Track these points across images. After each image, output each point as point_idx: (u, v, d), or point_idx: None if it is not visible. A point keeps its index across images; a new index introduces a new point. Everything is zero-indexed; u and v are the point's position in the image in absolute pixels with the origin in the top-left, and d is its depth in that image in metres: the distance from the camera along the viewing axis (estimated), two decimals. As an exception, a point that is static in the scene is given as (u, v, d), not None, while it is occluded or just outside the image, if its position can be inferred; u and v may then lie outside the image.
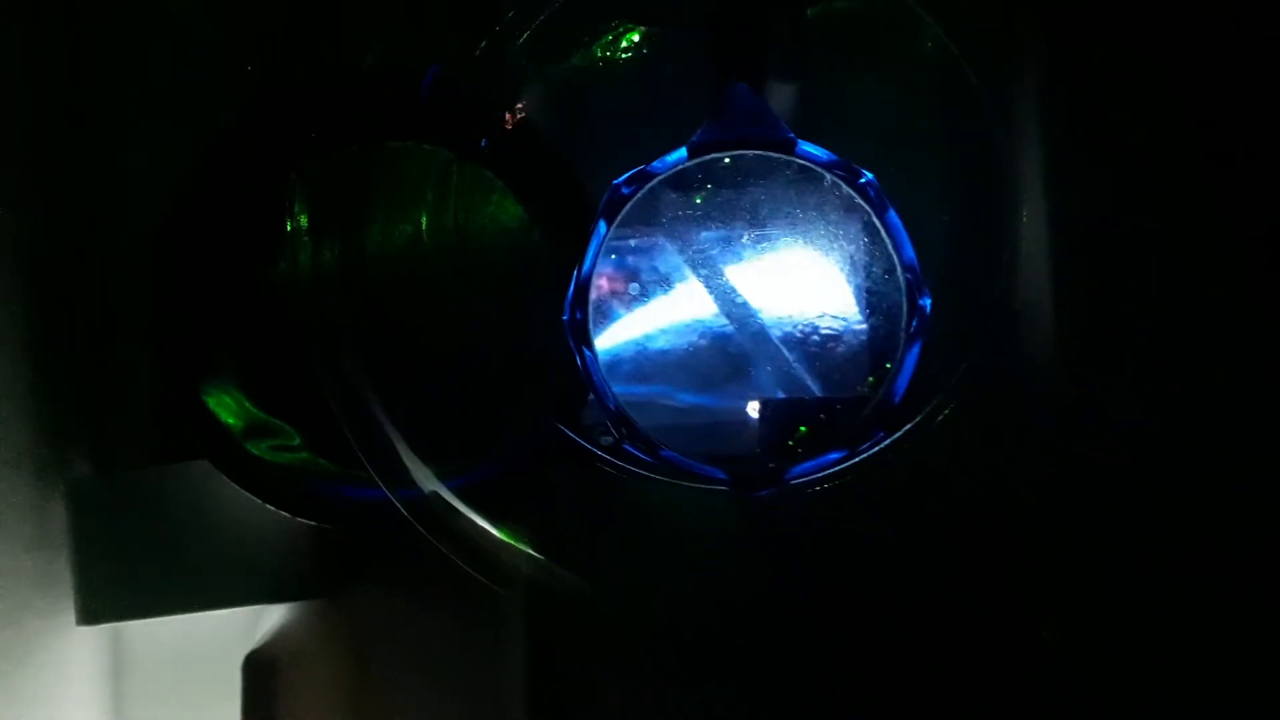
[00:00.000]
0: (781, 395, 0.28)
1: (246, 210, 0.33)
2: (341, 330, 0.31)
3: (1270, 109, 0.30)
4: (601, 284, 0.28)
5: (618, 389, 0.28)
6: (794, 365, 0.28)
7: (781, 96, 0.28)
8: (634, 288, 0.28)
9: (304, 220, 0.31)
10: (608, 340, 0.28)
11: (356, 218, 0.31)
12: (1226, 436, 0.30)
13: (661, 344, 0.28)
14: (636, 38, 0.28)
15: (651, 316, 0.28)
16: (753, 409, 0.28)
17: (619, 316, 0.28)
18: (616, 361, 0.28)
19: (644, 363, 0.28)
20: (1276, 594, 0.29)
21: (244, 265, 0.33)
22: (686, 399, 0.28)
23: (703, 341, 0.28)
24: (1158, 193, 0.30)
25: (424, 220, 0.30)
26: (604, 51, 0.28)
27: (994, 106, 0.29)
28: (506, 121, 0.27)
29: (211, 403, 0.34)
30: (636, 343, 0.28)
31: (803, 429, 0.27)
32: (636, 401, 0.28)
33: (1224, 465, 0.29)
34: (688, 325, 0.28)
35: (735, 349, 0.28)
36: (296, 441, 0.34)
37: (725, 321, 0.28)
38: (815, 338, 0.28)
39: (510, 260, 0.30)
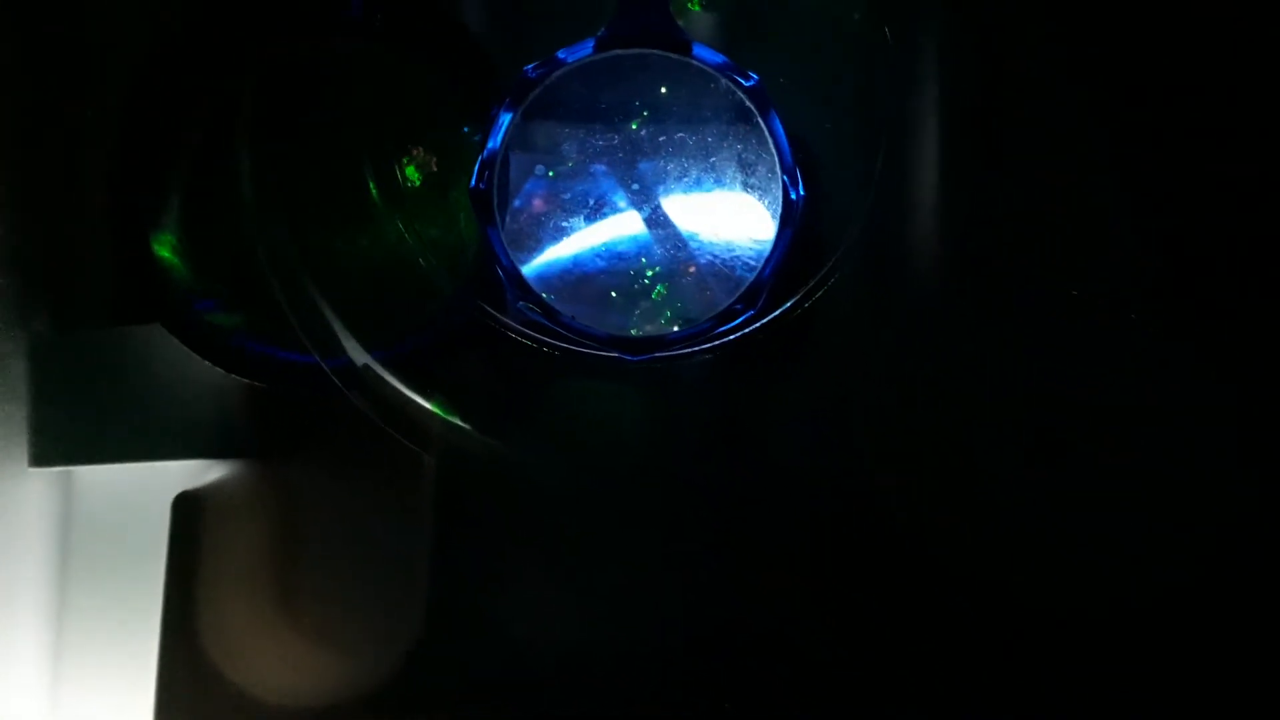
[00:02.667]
0: (668, 271, 0.31)
1: (206, 91, 0.36)
2: (279, 210, 0.34)
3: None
4: (509, 162, 0.30)
5: (523, 257, 0.31)
6: (681, 245, 0.31)
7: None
8: (539, 169, 0.31)
9: (252, 109, 0.34)
10: (514, 213, 0.31)
11: (298, 111, 0.34)
12: (1083, 328, 0.32)
13: (563, 219, 0.31)
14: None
15: (555, 195, 0.31)
16: (642, 281, 0.31)
17: (526, 193, 0.31)
18: (521, 233, 0.31)
19: (545, 236, 0.31)
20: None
21: (200, 142, 0.36)
22: (584, 270, 0.31)
23: (601, 220, 0.31)
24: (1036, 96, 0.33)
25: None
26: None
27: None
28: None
29: (163, 265, 0.37)
30: (540, 217, 0.31)
31: (660, 295, 0.30)
32: (538, 274, 0.31)
33: (1077, 346, 0.32)
34: (588, 204, 0.31)
35: (629, 236, 0.31)
36: (239, 306, 0.37)
37: (623, 203, 0.31)
38: (701, 221, 0.31)
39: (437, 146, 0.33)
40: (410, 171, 0.34)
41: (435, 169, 0.34)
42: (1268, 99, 0.32)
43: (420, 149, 0.34)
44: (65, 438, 0.38)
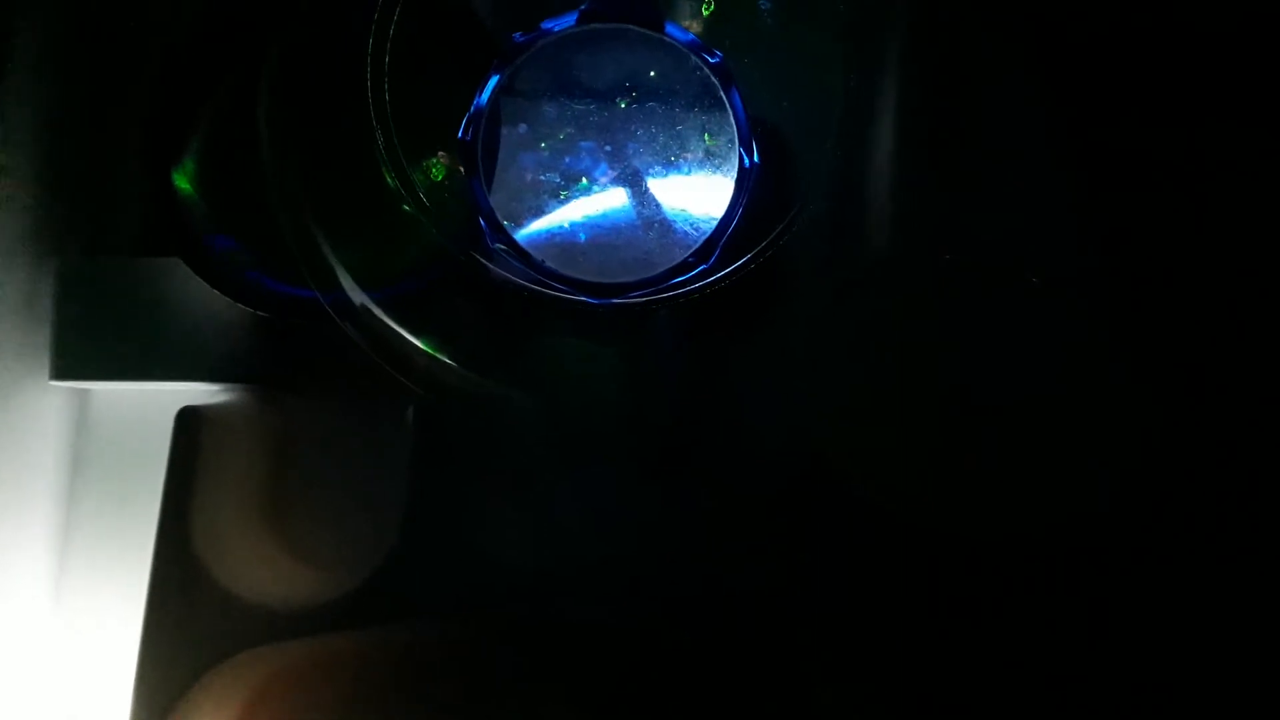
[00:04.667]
0: (632, 224, 0.34)
1: (239, 47, 0.40)
2: (292, 159, 0.37)
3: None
4: (494, 118, 0.34)
5: (501, 205, 0.34)
6: (645, 203, 0.34)
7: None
8: (521, 127, 0.34)
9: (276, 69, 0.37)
10: (496, 165, 0.34)
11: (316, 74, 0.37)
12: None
13: (540, 174, 0.34)
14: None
15: (534, 151, 0.34)
16: (615, 237, 0.34)
17: (507, 146, 0.34)
18: (501, 182, 0.34)
19: (524, 187, 0.34)
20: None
21: (228, 92, 0.40)
22: (557, 220, 0.34)
23: (576, 176, 0.34)
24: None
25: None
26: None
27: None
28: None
29: (184, 200, 0.40)
30: (519, 170, 0.34)
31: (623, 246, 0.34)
32: (515, 224, 0.34)
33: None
34: (564, 161, 0.34)
35: (599, 193, 0.34)
36: (251, 243, 0.40)
37: (595, 162, 0.34)
38: (664, 183, 0.34)
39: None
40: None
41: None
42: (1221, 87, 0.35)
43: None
44: (84, 356, 0.41)
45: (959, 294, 0.35)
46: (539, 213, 0.34)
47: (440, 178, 0.36)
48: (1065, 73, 0.36)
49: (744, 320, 0.35)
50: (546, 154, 0.34)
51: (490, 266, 0.35)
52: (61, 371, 0.41)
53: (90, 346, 0.41)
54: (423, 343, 0.36)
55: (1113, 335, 0.36)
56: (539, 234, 0.34)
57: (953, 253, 0.34)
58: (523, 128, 0.34)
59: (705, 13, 0.35)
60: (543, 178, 0.34)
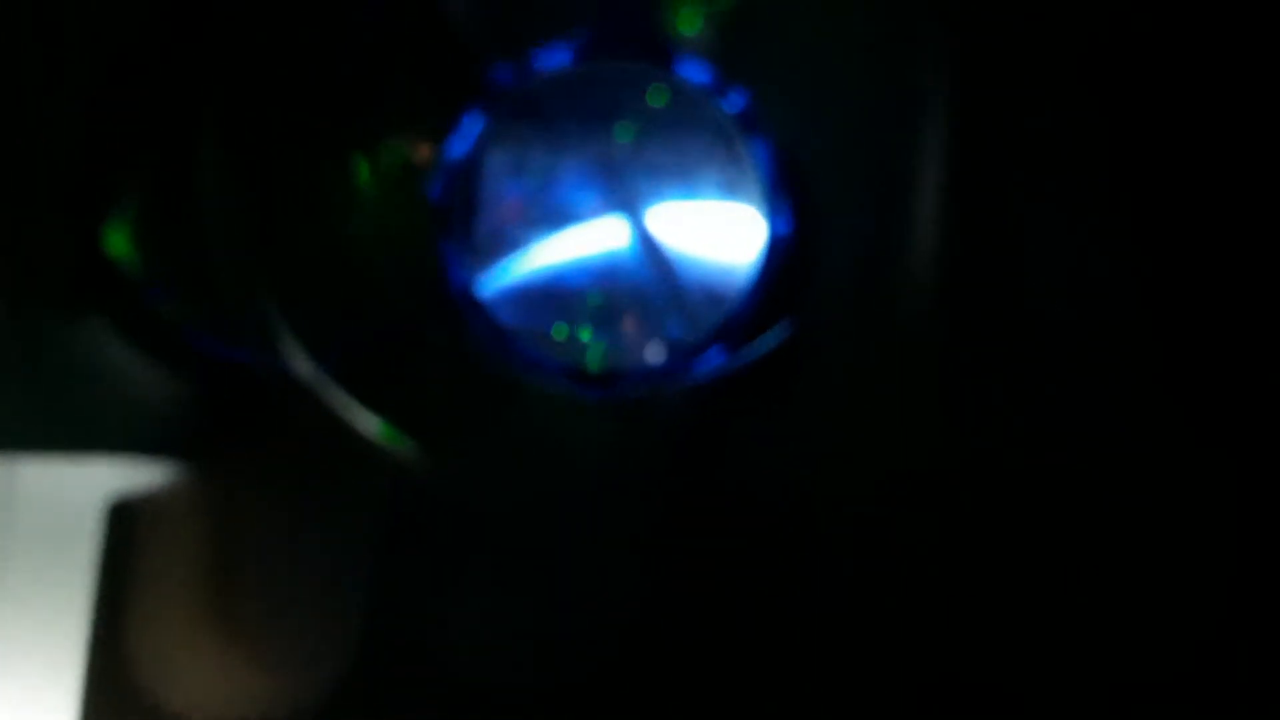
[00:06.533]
0: (638, 302, 0.29)
1: (173, 82, 0.35)
2: (237, 208, 0.32)
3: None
4: (474, 175, 0.28)
5: (481, 277, 0.29)
6: (654, 275, 0.29)
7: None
8: (505, 183, 0.29)
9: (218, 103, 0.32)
10: (475, 229, 0.29)
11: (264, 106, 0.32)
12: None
13: (527, 240, 0.29)
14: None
15: (521, 212, 0.29)
16: (608, 311, 0.29)
17: (489, 207, 0.29)
18: (481, 250, 0.29)
19: (507, 256, 0.29)
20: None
21: (163, 135, 0.35)
22: (546, 295, 0.29)
23: (569, 243, 0.29)
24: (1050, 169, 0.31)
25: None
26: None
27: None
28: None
29: (115, 255, 0.35)
30: (502, 235, 0.29)
31: (626, 328, 0.28)
32: (496, 297, 0.29)
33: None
34: (555, 225, 0.29)
35: (597, 260, 0.29)
36: (188, 302, 0.35)
37: (594, 226, 0.29)
38: (675, 255, 0.29)
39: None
40: (382, 161, 0.32)
41: (405, 166, 0.32)
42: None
43: (390, 144, 0.32)
44: (4, 425, 0.37)
45: (1006, 373, 0.30)
46: (522, 285, 0.29)
47: (407, 231, 0.31)
48: (1124, 136, 0.31)
49: (757, 402, 0.31)
50: (533, 214, 0.29)
51: (458, 341, 0.31)
52: (-20, 445, 0.37)
53: (12, 415, 0.37)
54: (379, 420, 0.32)
55: (1173, 416, 0.31)
56: (520, 308, 0.29)
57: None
58: (506, 184, 0.29)
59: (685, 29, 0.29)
60: (528, 244, 0.29)
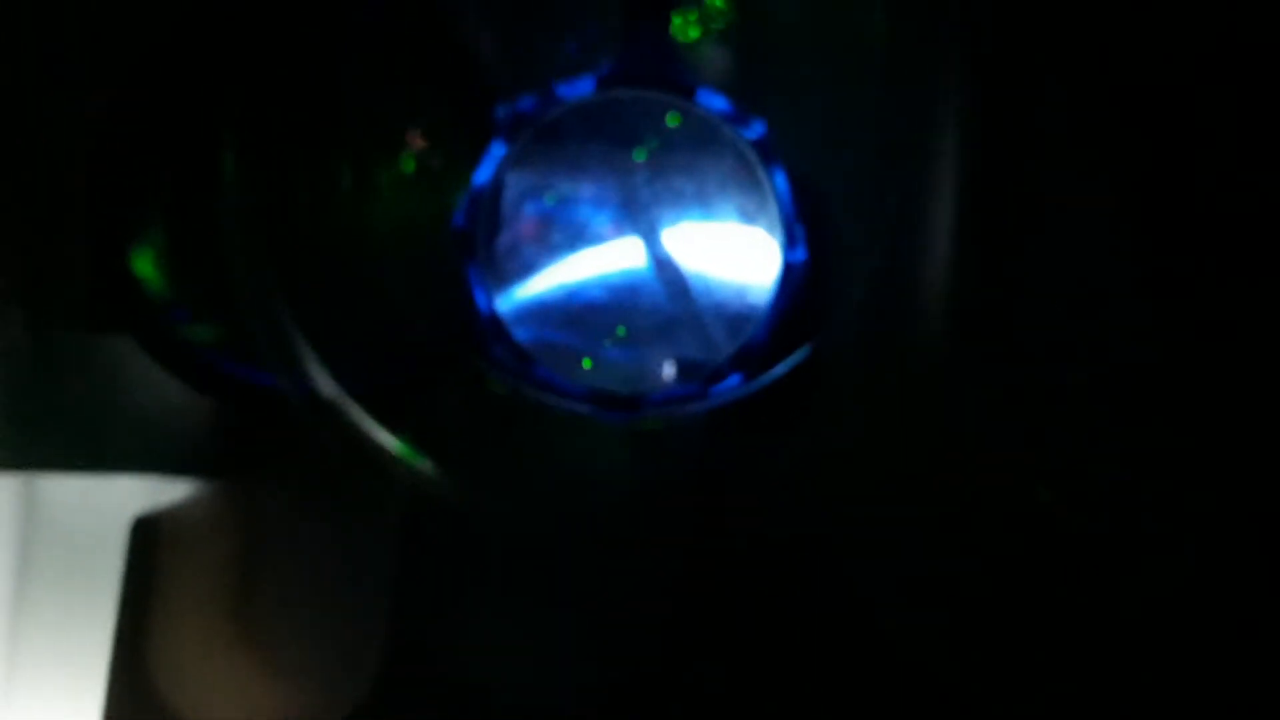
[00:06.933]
0: (657, 327, 0.29)
1: (194, 101, 0.35)
2: (258, 231, 0.32)
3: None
4: (497, 200, 0.29)
5: (502, 307, 0.29)
6: (673, 301, 0.29)
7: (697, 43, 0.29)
8: (525, 211, 0.29)
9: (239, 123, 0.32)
10: (497, 261, 0.29)
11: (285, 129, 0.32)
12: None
13: (547, 272, 0.29)
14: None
15: (542, 244, 0.29)
16: (628, 337, 0.29)
17: (510, 240, 0.29)
18: (505, 275, 0.29)
19: (529, 287, 0.29)
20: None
21: (182, 154, 0.35)
22: (568, 319, 0.29)
23: (586, 272, 0.29)
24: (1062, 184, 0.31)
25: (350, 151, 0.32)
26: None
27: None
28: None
29: (138, 275, 0.35)
30: (525, 267, 0.29)
31: (646, 352, 0.29)
32: (518, 320, 0.29)
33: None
34: (574, 256, 0.29)
35: (617, 285, 0.29)
36: (214, 324, 0.35)
37: (614, 252, 0.29)
38: (693, 281, 0.29)
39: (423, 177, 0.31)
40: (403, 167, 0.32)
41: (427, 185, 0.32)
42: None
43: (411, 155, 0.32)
44: (29, 444, 0.37)
45: (1022, 399, 0.31)
46: (545, 309, 0.29)
47: (427, 255, 0.32)
48: (1141, 164, 0.31)
49: (774, 426, 0.31)
50: (554, 240, 0.29)
51: (481, 363, 0.31)
52: (4, 462, 0.37)
53: (34, 434, 0.37)
54: (399, 444, 0.32)
55: (1194, 444, 0.31)
56: (542, 332, 0.29)
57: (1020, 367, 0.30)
58: (528, 209, 0.29)
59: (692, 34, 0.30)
60: (549, 269, 0.29)
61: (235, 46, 0.34)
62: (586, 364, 0.29)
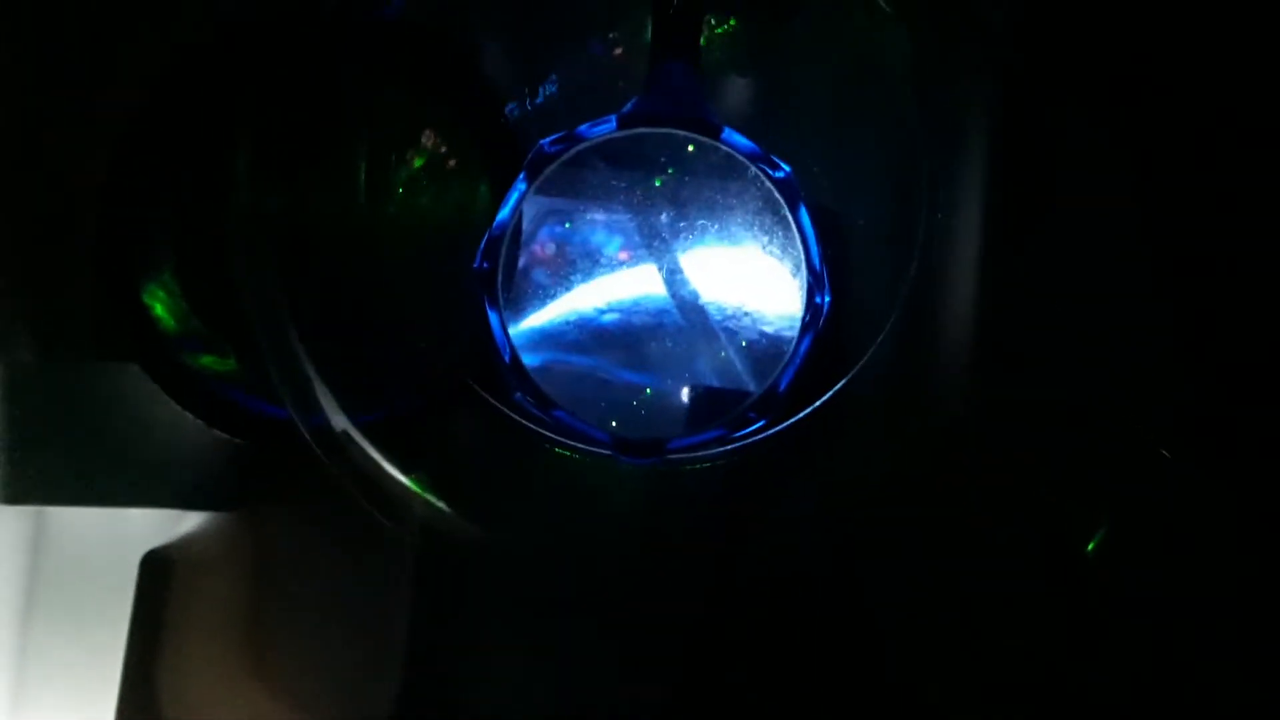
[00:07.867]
0: (680, 371, 0.29)
1: (201, 137, 0.34)
2: (270, 265, 0.32)
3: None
4: (518, 242, 0.28)
5: (523, 346, 0.29)
6: (697, 344, 0.29)
7: (720, 81, 0.29)
8: (549, 248, 0.29)
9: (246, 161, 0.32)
10: (518, 297, 0.29)
11: (298, 164, 0.32)
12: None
13: (569, 309, 0.29)
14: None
15: (564, 281, 0.29)
16: (647, 383, 0.29)
17: (533, 276, 0.29)
18: (526, 318, 0.29)
19: (550, 325, 0.29)
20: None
21: (194, 184, 0.35)
22: (590, 362, 0.29)
23: (608, 312, 0.29)
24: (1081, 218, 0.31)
25: (363, 169, 0.31)
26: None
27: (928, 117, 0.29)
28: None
29: (149, 307, 0.35)
30: (546, 304, 0.29)
31: (668, 396, 0.28)
32: (539, 360, 0.29)
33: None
34: (596, 293, 0.29)
35: (639, 324, 0.29)
36: (225, 355, 0.35)
37: (633, 296, 0.29)
38: (715, 322, 0.29)
39: (443, 213, 0.31)
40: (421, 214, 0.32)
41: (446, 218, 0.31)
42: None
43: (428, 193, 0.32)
44: (39, 476, 0.36)
45: (1045, 439, 0.30)
46: (566, 350, 0.29)
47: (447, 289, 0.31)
48: (1165, 213, 0.30)
49: (792, 475, 0.30)
50: (577, 282, 0.29)
51: (495, 403, 0.30)
52: (13, 495, 0.36)
53: (43, 467, 0.37)
54: (412, 480, 0.31)
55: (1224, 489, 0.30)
56: (563, 375, 0.29)
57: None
58: (551, 250, 0.29)
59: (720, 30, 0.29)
60: (572, 311, 0.29)
61: (246, 60, 0.33)
62: (604, 403, 0.29)
